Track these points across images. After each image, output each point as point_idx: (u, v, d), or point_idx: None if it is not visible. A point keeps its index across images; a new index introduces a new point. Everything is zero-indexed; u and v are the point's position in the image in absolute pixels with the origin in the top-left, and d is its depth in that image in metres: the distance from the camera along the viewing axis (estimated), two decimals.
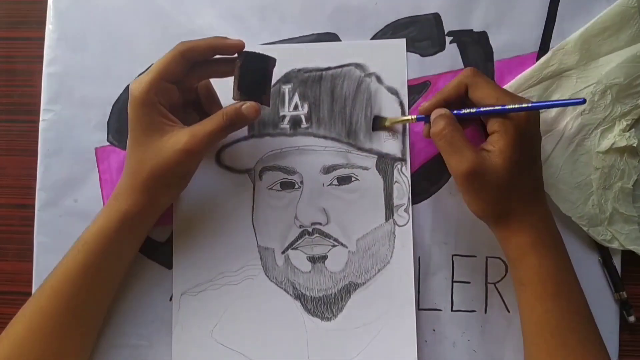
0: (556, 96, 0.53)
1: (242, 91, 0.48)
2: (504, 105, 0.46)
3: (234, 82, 0.48)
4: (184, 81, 0.50)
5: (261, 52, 0.48)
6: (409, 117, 0.52)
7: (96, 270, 0.49)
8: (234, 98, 0.48)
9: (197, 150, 0.47)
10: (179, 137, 0.47)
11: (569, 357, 0.45)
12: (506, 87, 0.54)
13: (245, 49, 0.48)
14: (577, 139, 0.53)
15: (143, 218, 0.50)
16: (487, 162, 0.45)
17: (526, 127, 0.46)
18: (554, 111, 0.53)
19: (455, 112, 0.48)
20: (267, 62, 0.49)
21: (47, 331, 0.48)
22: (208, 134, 0.47)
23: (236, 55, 0.48)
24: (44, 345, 0.47)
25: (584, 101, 0.44)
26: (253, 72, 0.48)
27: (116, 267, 0.51)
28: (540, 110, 0.52)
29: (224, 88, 0.51)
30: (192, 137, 0.47)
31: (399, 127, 0.54)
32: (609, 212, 0.52)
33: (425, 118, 0.50)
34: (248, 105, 0.47)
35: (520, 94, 0.53)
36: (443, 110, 0.48)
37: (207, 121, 0.48)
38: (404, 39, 0.55)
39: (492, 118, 0.47)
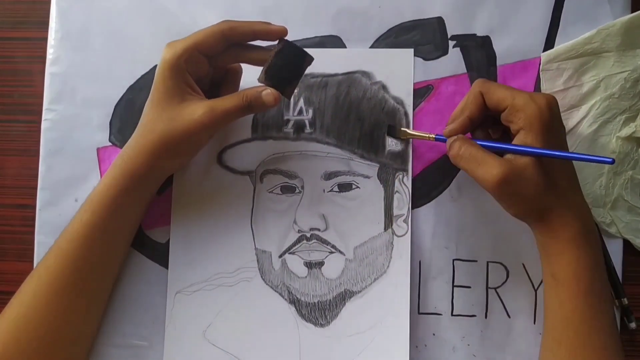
0: (591, 73, 0.53)
1: (269, 76, 0.47)
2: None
3: (265, 65, 0.48)
4: (218, 59, 0.50)
5: (303, 47, 0.48)
6: (426, 135, 0.51)
7: (102, 230, 0.48)
8: (259, 80, 0.48)
9: (211, 125, 0.47)
10: (196, 108, 0.47)
11: (589, 358, 0.44)
12: (545, 54, 0.54)
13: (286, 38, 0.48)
14: (601, 120, 0.53)
15: (149, 180, 0.50)
16: (517, 164, 0.44)
17: (550, 117, 0.44)
18: (585, 88, 0.53)
19: (477, 141, 0.47)
20: (303, 57, 0.48)
21: (53, 291, 0.48)
22: (225, 111, 0.47)
23: (276, 42, 0.48)
24: (51, 305, 0.48)
25: (612, 161, 0.42)
26: (286, 62, 0.48)
27: (122, 228, 0.51)
28: (572, 84, 0.53)
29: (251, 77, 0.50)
30: (209, 111, 0.47)
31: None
32: (614, 196, 0.53)
33: (444, 139, 0.49)
34: (268, 92, 0.47)
35: (556, 64, 0.53)
36: (455, 137, 0.47)
37: (227, 98, 0.48)
38: (412, 49, 0.55)
39: (512, 115, 0.46)
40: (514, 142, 0.46)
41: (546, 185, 0.44)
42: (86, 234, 0.48)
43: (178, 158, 0.51)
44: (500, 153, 0.46)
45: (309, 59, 0.49)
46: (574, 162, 0.47)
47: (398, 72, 0.55)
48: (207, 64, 0.49)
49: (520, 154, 0.44)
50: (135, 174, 0.48)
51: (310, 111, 0.55)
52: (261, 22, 0.49)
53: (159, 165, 0.49)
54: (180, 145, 0.48)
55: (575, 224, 0.45)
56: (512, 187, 0.44)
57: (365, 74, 0.55)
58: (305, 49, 0.49)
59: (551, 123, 0.45)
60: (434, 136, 0.51)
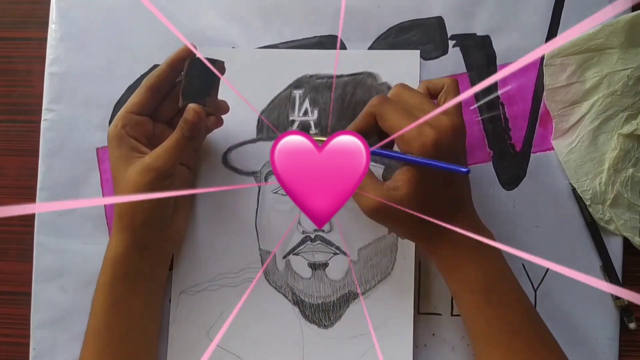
0: (594, 70, 0.53)
1: (185, 97, 0.47)
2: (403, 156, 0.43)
3: (180, 90, 0.47)
4: (162, 114, 0.50)
5: (210, 57, 0.47)
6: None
7: (109, 335, 0.47)
8: (180, 106, 0.47)
9: (159, 168, 0.45)
10: (142, 161, 0.46)
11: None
12: (547, 47, 0.53)
13: (205, 52, 0.46)
14: (603, 117, 0.53)
15: (133, 262, 0.48)
16: (394, 196, 0.43)
17: (433, 153, 0.42)
18: (588, 84, 0.53)
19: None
20: (213, 66, 0.46)
21: None
22: (167, 150, 0.46)
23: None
24: None
25: (468, 171, 0.41)
26: (198, 77, 0.47)
27: (129, 327, 0.48)
28: (575, 80, 0.53)
29: None
30: (152, 157, 0.46)
31: None
32: (614, 194, 0.53)
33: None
34: (188, 109, 0.46)
35: (559, 59, 0.53)
36: None
37: (167, 140, 0.47)
38: (418, 50, 0.55)
39: (400, 143, 0.43)
40: (396, 173, 0.44)
41: (423, 214, 0.42)
42: (95, 339, 0.47)
43: (152, 224, 0.48)
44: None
45: (220, 65, 0.48)
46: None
47: (404, 74, 0.54)
48: (147, 122, 0.49)
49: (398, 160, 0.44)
50: (116, 258, 0.47)
51: (316, 112, 0.55)
52: (171, 54, 0.48)
53: (137, 241, 0.47)
54: (143, 205, 0.46)
55: (452, 246, 0.45)
56: (383, 215, 0.44)
57: (371, 75, 0.55)
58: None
59: (438, 157, 0.42)
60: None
